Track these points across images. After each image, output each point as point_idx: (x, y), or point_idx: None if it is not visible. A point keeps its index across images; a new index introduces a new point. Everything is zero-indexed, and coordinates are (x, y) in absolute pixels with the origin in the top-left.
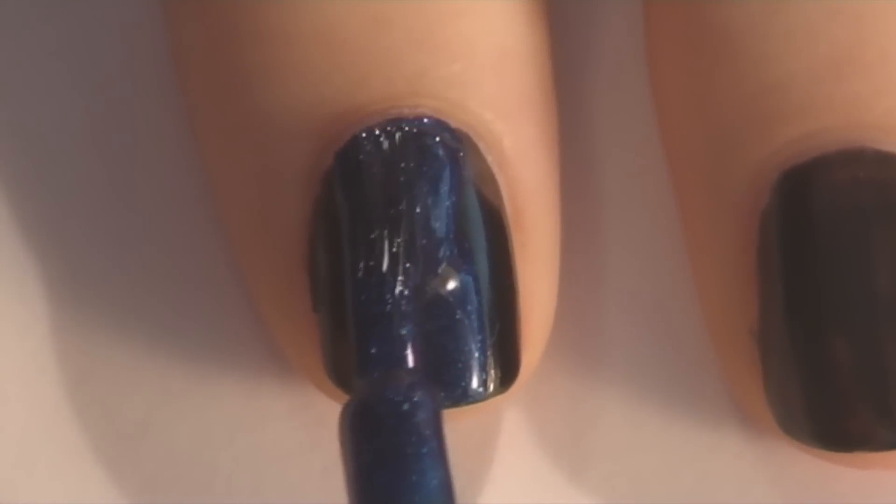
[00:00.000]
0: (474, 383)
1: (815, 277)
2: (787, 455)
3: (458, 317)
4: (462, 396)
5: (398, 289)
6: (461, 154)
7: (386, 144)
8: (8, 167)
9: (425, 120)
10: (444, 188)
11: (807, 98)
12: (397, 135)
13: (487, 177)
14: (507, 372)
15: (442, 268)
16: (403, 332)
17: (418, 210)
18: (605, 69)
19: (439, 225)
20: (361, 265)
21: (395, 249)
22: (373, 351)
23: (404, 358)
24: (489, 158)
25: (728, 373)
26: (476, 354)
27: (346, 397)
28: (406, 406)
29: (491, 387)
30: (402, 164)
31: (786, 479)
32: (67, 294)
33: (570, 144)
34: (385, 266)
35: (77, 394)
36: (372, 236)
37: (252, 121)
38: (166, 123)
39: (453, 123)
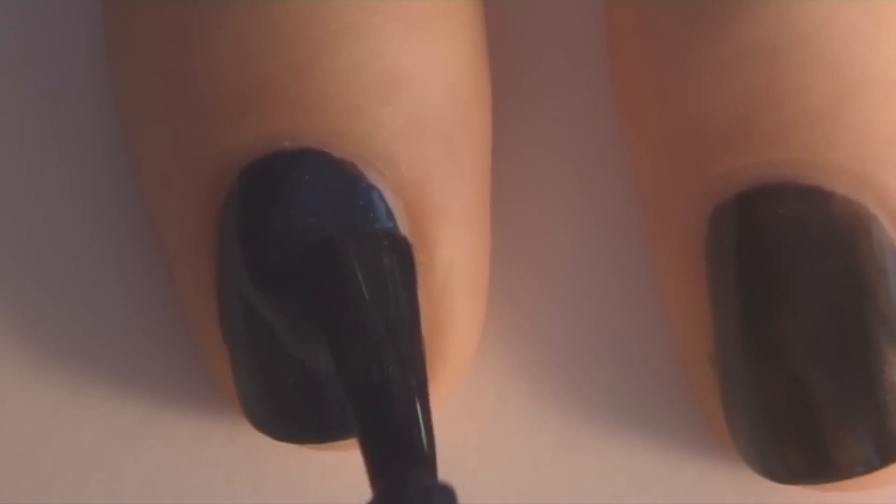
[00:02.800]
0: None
1: (754, 310)
2: None
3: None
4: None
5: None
6: (344, 182)
7: (271, 178)
8: (6, 168)
9: (306, 152)
10: (334, 216)
11: (727, 134)
12: (281, 168)
13: (372, 202)
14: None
15: (343, 290)
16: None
17: (309, 239)
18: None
19: (334, 253)
20: (258, 292)
21: (292, 276)
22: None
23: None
24: (381, 184)
25: (694, 397)
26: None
27: None
28: None
29: None
30: (290, 195)
31: None
32: (67, 294)
33: (551, 158)
34: (279, 297)
35: (77, 394)
36: (268, 266)
37: (160, 153)
38: None
39: (337, 153)
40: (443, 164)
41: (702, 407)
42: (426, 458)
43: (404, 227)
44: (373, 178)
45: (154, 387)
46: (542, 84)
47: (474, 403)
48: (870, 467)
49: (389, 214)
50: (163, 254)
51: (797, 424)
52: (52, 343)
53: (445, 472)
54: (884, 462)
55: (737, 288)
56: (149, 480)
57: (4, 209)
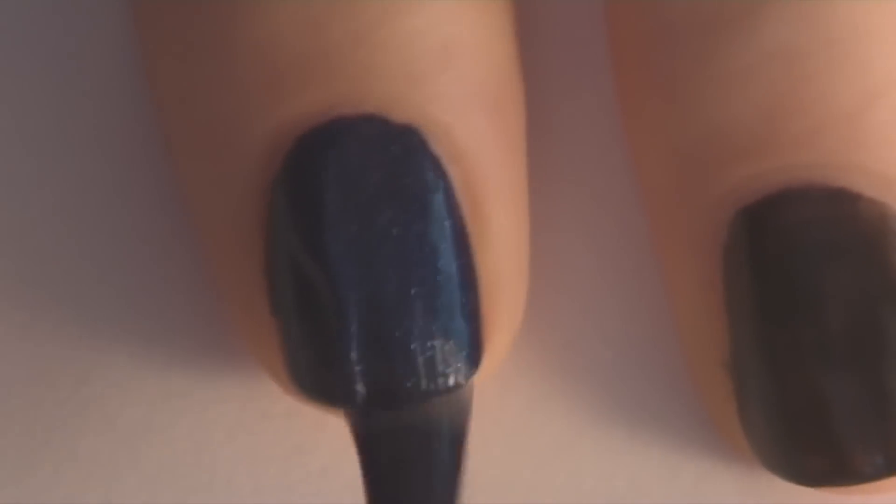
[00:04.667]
0: (427, 380)
1: (775, 315)
2: None
3: (408, 315)
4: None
5: (353, 284)
6: (405, 148)
7: (332, 144)
8: (7, 167)
9: (368, 117)
10: (394, 183)
11: (750, 140)
12: (342, 134)
13: (432, 169)
14: (462, 366)
15: (396, 262)
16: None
17: (370, 206)
18: (582, 77)
19: (394, 219)
20: (316, 263)
21: (350, 245)
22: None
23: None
24: (438, 151)
25: (705, 403)
26: (427, 349)
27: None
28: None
29: (453, 378)
30: (350, 164)
31: (783, 481)
32: (67, 294)
33: (555, 159)
34: (340, 262)
35: (77, 394)
36: (326, 236)
37: (206, 130)
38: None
39: (397, 119)
40: (495, 135)
41: (713, 411)
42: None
43: (460, 196)
44: (432, 143)
45: (154, 387)
46: (546, 91)
47: (474, 404)
48: (893, 470)
49: (447, 182)
50: (203, 230)
51: (820, 429)
52: (53, 343)
53: None
54: None
55: (759, 293)
56: (149, 481)
57: (4, 208)
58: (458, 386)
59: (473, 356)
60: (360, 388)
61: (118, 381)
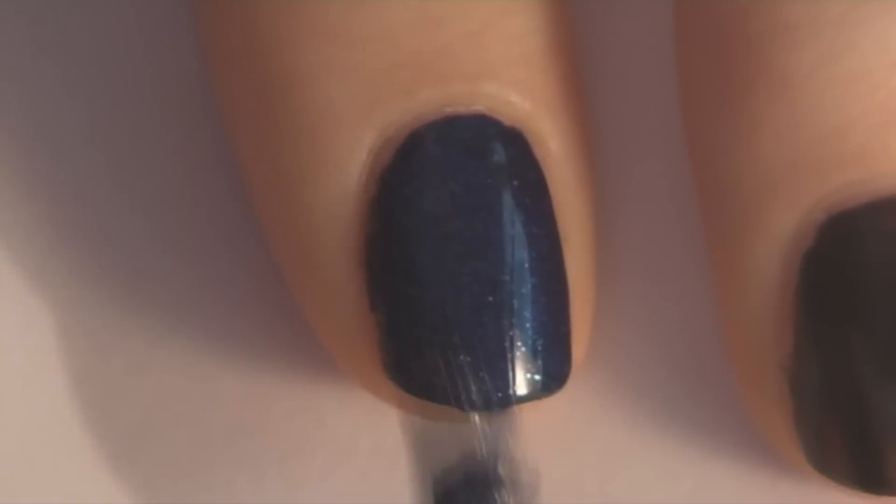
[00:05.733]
0: (528, 383)
1: (860, 323)
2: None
3: (513, 315)
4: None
5: (463, 282)
6: (514, 151)
7: (444, 142)
8: (9, 166)
9: (480, 117)
10: (502, 184)
11: (862, 145)
12: (455, 133)
13: (536, 174)
14: (561, 370)
15: (503, 261)
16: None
17: (479, 205)
18: (635, 77)
19: (500, 219)
20: (419, 258)
21: (452, 242)
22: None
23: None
24: (538, 154)
25: (753, 404)
26: (531, 351)
27: (396, 397)
28: None
29: (550, 386)
30: (461, 162)
31: (784, 483)
32: (68, 294)
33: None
34: (448, 261)
35: (77, 394)
36: (434, 232)
37: (307, 120)
38: (177, 119)
39: (506, 121)
40: (581, 142)
41: (761, 412)
42: None
43: (554, 198)
44: (533, 147)
45: (155, 387)
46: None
47: None
48: None
49: (544, 187)
50: (286, 224)
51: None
52: (52, 343)
53: None
54: None
55: (850, 298)
56: (148, 482)
57: (5, 208)
58: (552, 392)
59: (566, 362)
60: (465, 387)
61: (118, 382)
